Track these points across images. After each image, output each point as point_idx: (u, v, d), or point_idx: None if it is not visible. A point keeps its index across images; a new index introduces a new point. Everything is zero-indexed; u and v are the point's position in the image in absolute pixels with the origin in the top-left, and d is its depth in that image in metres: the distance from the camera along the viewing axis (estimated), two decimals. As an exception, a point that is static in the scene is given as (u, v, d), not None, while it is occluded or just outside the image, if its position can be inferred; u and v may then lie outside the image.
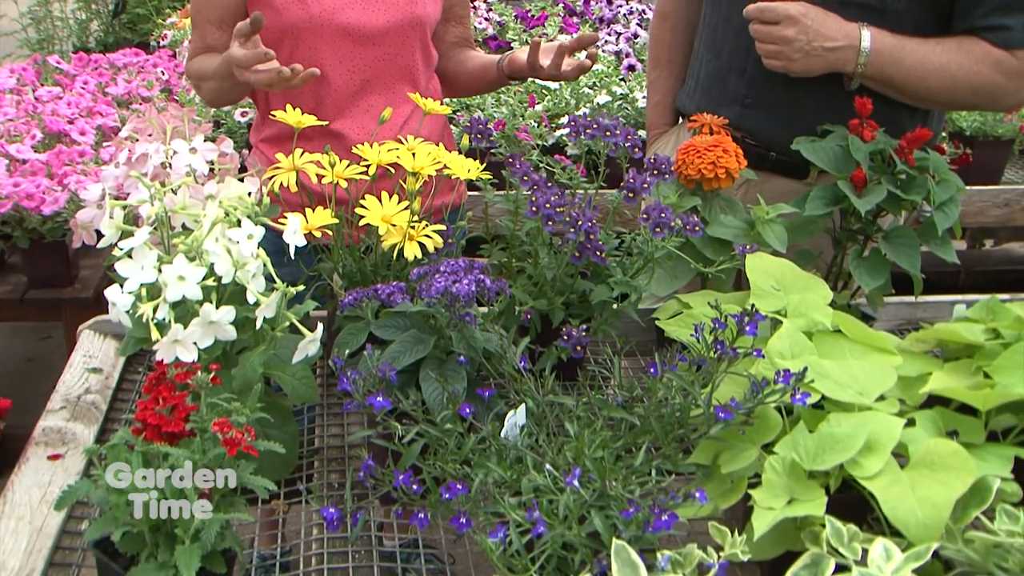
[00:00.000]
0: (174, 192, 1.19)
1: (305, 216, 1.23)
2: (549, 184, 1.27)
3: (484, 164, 1.34)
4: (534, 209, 1.19)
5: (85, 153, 2.47)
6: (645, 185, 1.24)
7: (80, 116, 2.76)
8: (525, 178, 1.26)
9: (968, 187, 2.74)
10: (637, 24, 3.74)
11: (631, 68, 3.17)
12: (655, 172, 1.29)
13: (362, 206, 1.24)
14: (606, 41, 3.44)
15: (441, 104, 1.53)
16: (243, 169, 1.41)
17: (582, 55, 1.61)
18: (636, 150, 1.31)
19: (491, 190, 1.34)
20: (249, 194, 1.20)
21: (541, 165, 2.60)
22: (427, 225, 1.24)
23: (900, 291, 1.53)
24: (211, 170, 1.30)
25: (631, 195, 1.25)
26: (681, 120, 1.89)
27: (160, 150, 1.26)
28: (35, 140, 2.53)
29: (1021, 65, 1.54)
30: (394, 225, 1.21)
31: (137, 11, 4.83)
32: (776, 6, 1.50)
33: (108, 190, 1.27)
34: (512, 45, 3.50)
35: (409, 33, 1.69)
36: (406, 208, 1.23)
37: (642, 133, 2.54)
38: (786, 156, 1.54)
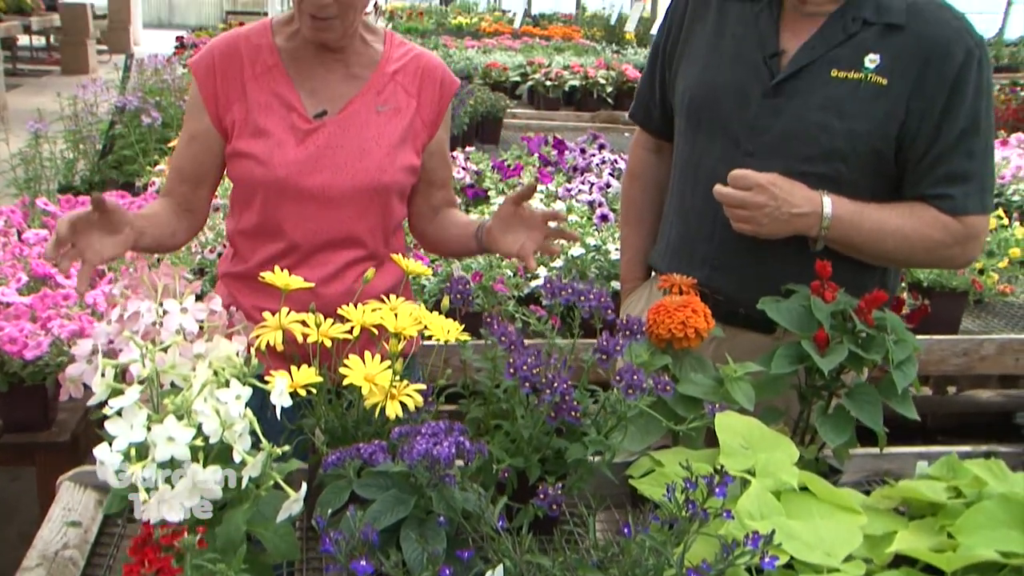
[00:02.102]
0: (164, 351, 1.22)
1: (289, 372, 1.26)
2: (525, 345, 1.32)
3: (463, 313, 1.40)
4: (512, 371, 1.23)
5: (69, 296, 2.50)
6: (618, 348, 1.29)
7: (66, 259, 2.80)
8: (503, 338, 1.31)
9: (928, 336, 2.83)
10: (609, 174, 3.87)
11: (604, 218, 3.28)
12: (627, 333, 1.34)
13: (345, 365, 1.28)
14: (579, 191, 3.56)
15: (416, 261, 1.59)
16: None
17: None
18: (609, 312, 1.37)
19: (469, 348, 1.38)
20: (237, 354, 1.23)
21: (517, 316, 2.67)
22: (408, 384, 1.28)
23: (868, 439, 1.57)
24: (200, 327, 1.34)
25: (604, 357, 1.29)
26: (653, 274, 1.97)
27: (152, 308, 1.30)
28: (20, 283, 2.56)
29: (965, 229, 1.67)
30: (376, 384, 1.25)
31: (124, 152, 4.95)
32: (748, 174, 1.61)
33: (100, 346, 1.30)
34: (489, 193, 3.61)
35: (374, 198, 1.73)
36: (388, 368, 1.27)
37: (615, 284, 2.63)
38: (754, 312, 1.62)
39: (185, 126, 1.79)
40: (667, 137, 1.93)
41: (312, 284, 1.43)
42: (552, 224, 1.66)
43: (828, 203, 1.63)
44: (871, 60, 1.64)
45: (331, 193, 1.70)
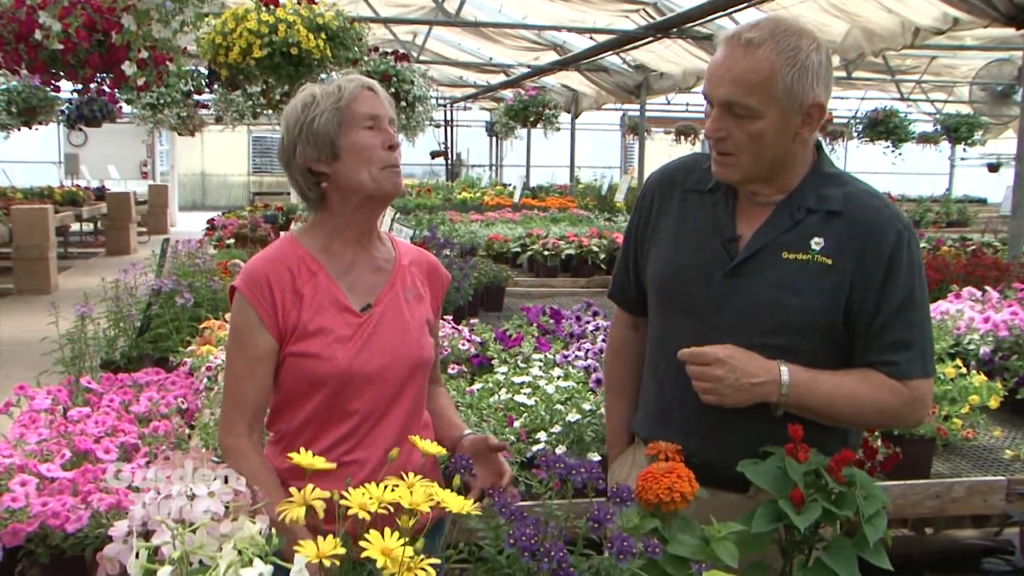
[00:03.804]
0: (193, 532, 1.24)
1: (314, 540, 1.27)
2: (524, 513, 1.33)
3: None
4: (512, 541, 1.24)
5: (108, 471, 2.52)
6: (609, 516, 1.30)
7: (105, 435, 2.83)
8: (503, 510, 1.32)
9: (900, 481, 2.82)
10: (603, 340, 3.91)
11: (599, 382, 3.31)
12: (617, 501, 1.36)
13: (365, 538, 1.28)
14: (576, 356, 3.60)
15: (431, 442, 1.61)
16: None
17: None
18: (600, 481, 1.39)
19: (476, 519, 1.39)
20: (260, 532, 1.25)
21: (520, 480, 2.66)
22: (423, 559, 1.28)
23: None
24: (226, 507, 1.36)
25: (596, 525, 1.31)
26: (635, 439, 2.00)
27: (183, 493, 1.32)
28: (64, 459, 2.58)
29: (911, 392, 1.72)
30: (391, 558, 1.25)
31: (159, 331, 5.05)
32: (706, 350, 1.66)
33: (135, 528, 1.32)
34: (493, 362, 3.65)
35: (417, 373, 1.80)
36: (404, 544, 1.27)
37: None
38: (729, 474, 1.64)
39: (240, 354, 1.74)
40: (642, 313, 1.99)
41: (333, 465, 1.45)
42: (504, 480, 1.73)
43: (785, 372, 1.68)
44: (816, 242, 1.72)
45: (387, 375, 1.75)
